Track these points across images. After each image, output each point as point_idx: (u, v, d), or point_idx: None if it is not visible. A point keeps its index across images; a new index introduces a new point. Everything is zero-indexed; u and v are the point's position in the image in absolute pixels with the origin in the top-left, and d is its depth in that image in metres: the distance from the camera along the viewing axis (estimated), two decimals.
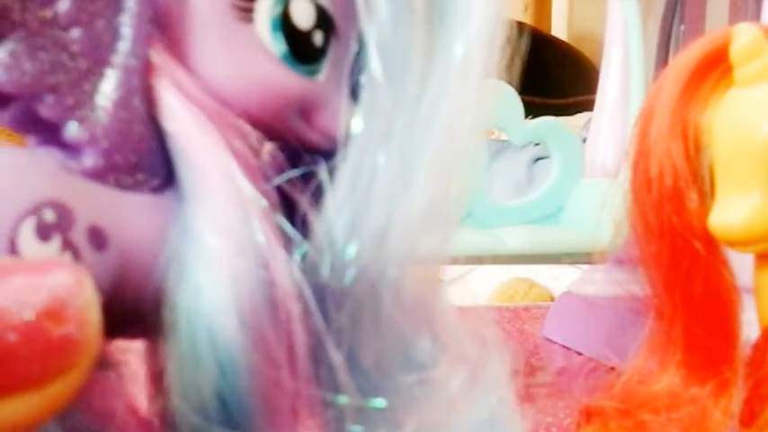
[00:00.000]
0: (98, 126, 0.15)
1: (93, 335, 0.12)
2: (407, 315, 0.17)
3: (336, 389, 0.16)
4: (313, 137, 0.17)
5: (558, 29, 1.72)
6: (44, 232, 0.14)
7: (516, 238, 0.47)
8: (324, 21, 0.17)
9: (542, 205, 0.51)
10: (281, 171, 0.17)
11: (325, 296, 0.16)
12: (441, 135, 0.17)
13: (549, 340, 0.58)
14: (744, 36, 0.24)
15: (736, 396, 0.24)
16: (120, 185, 0.15)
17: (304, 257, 0.16)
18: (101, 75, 0.15)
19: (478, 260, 0.51)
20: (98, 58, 0.15)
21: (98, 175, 0.15)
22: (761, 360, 0.24)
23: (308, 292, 0.16)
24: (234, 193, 0.15)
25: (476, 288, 0.83)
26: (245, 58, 0.16)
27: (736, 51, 0.24)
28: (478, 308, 0.73)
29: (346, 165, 0.17)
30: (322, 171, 0.17)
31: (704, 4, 0.95)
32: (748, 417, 0.24)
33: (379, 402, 0.17)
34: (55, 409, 0.12)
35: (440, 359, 0.18)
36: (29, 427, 0.12)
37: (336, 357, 0.16)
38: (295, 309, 0.15)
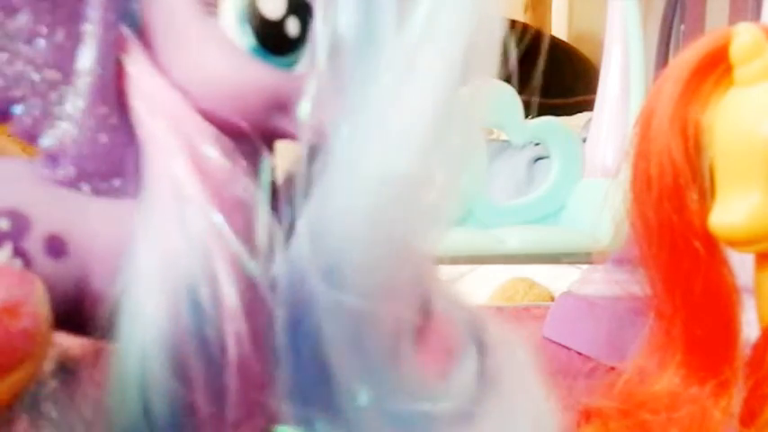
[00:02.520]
0: (67, 136, 0.15)
1: (47, 328, 0.13)
2: (391, 323, 0.16)
3: (275, 419, 0.16)
4: (296, 131, 0.16)
5: (558, 29, 1.71)
6: None
7: (516, 238, 0.47)
8: (297, 6, 0.16)
9: (542, 205, 0.51)
10: (256, 173, 0.16)
11: (308, 297, 0.15)
12: (427, 132, 0.16)
13: (549, 340, 0.58)
14: (744, 36, 0.23)
15: (736, 396, 0.24)
16: (96, 192, 0.15)
17: (287, 256, 0.16)
18: (67, 84, 0.15)
19: (478, 260, 0.51)
20: (63, 68, 0.15)
21: (71, 183, 0.15)
22: (761, 360, 0.24)
23: (247, 316, 0.15)
24: (182, 204, 0.15)
25: (476, 288, 0.83)
26: (212, 54, 0.15)
27: (736, 51, 0.24)
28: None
29: (330, 160, 0.16)
30: (305, 167, 0.16)
31: (704, 4, 0.95)
32: (748, 417, 0.24)
33: (322, 424, 0.16)
34: (12, 396, 0.13)
35: (482, 385, 0.17)
36: None
37: (284, 377, 0.15)
38: (231, 335, 0.15)
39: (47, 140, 0.15)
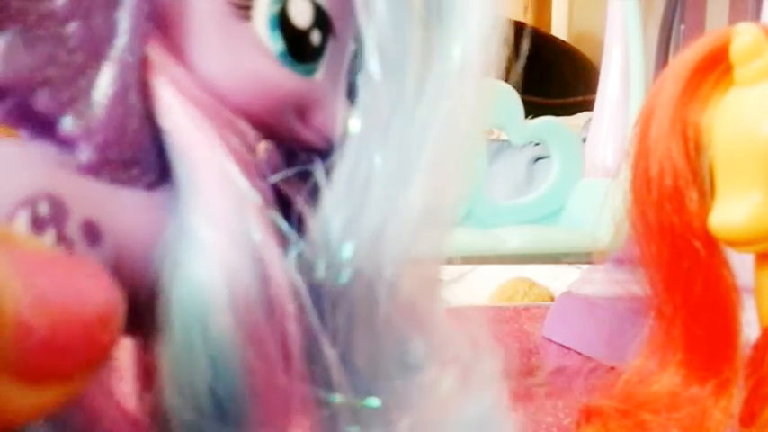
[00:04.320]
0: (93, 121, 0.15)
1: (119, 338, 0.13)
2: (402, 316, 0.17)
3: (330, 387, 0.16)
4: (308, 136, 0.17)
5: (558, 29, 1.71)
6: (39, 225, 0.14)
7: (516, 238, 0.47)
8: (321, 20, 0.17)
9: (542, 205, 0.51)
10: (277, 169, 0.17)
11: (319, 296, 0.16)
12: (438, 136, 0.17)
13: (549, 340, 0.58)
14: (744, 36, 0.24)
15: (736, 396, 0.24)
16: (114, 181, 0.15)
17: (299, 256, 0.16)
18: (97, 70, 0.15)
19: (478, 260, 0.51)
20: (95, 53, 0.15)
21: (92, 170, 0.15)
22: (761, 360, 0.24)
23: (303, 289, 0.16)
24: (229, 188, 0.15)
25: (476, 288, 0.83)
26: (243, 56, 0.16)
27: (736, 51, 0.24)
28: (477, 308, 0.73)
29: (343, 164, 0.17)
30: (318, 170, 0.17)
31: (704, 4, 0.95)
32: (748, 417, 0.24)
33: (374, 401, 0.17)
34: (66, 401, 0.13)
35: (431, 361, 0.18)
36: (41, 414, 0.12)
37: (331, 355, 0.16)
38: (290, 306, 0.15)
39: (67, 123, 0.15)
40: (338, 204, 0.16)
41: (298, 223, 0.17)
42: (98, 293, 0.12)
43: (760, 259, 0.25)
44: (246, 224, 0.15)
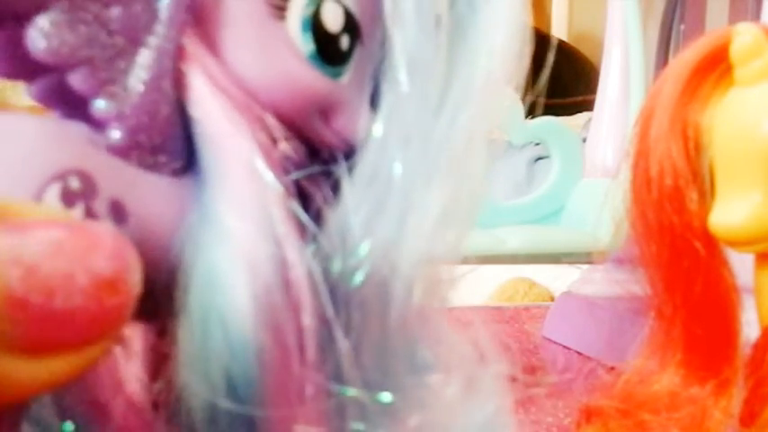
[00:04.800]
0: (127, 104, 0.15)
1: (131, 308, 0.13)
2: (414, 318, 0.17)
3: (341, 380, 0.17)
4: (330, 137, 0.18)
5: (558, 29, 1.71)
6: (69, 198, 0.14)
7: (516, 238, 0.47)
8: (351, 25, 0.17)
9: (542, 205, 0.51)
10: (299, 166, 0.17)
11: (335, 292, 0.16)
12: (459, 144, 0.17)
13: (549, 340, 0.58)
14: (744, 36, 0.24)
15: (736, 396, 0.24)
16: (141, 164, 0.16)
17: (318, 250, 0.17)
18: (135, 54, 0.15)
19: (478, 260, 0.51)
20: (134, 38, 0.15)
21: (122, 152, 0.15)
22: (761, 360, 0.24)
23: (320, 280, 0.16)
24: (255, 179, 0.15)
25: (476, 288, 0.83)
26: (275, 54, 0.16)
27: (736, 51, 0.24)
28: (477, 308, 0.73)
29: (364, 167, 0.17)
30: (340, 170, 0.17)
31: (704, 4, 0.95)
32: (748, 417, 0.24)
33: (385, 397, 0.17)
34: (79, 373, 0.13)
35: (437, 364, 0.18)
36: (55, 386, 0.12)
37: (344, 348, 0.16)
38: (307, 296, 0.16)
39: (101, 104, 0.15)
40: (357, 205, 0.17)
41: (316, 220, 0.17)
42: (103, 258, 0.12)
43: (760, 259, 0.25)
44: (269, 214, 0.15)
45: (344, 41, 0.17)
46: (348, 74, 0.17)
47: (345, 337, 0.16)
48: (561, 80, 1.51)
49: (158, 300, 0.15)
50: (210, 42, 0.16)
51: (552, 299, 0.77)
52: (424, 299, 0.17)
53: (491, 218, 0.48)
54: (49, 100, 0.15)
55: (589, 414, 0.27)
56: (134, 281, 0.13)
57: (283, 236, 0.15)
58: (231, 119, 0.16)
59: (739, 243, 0.24)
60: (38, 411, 0.15)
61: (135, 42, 0.15)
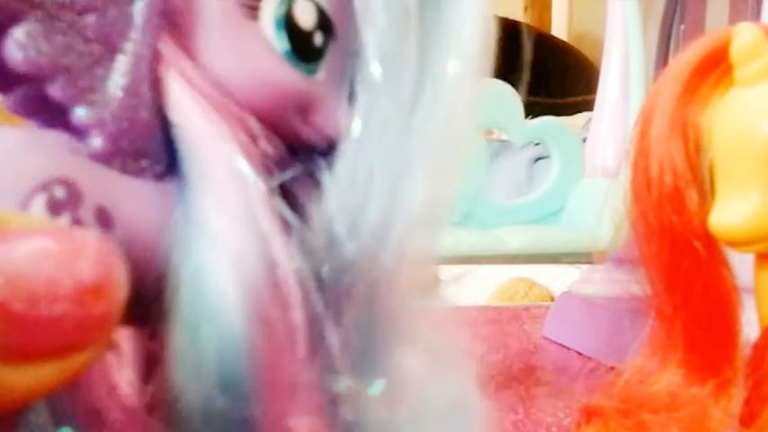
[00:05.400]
0: (107, 110, 0.15)
1: (118, 314, 0.13)
2: (395, 314, 0.17)
3: (333, 373, 0.17)
4: (309, 134, 0.18)
5: (558, 29, 1.71)
6: (55, 208, 0.14)
7: (516, 238, 0.47)
8: (324, 22, 0.17)
9: (542, 205, 0.51)
10: (281, 165, 0.17)
11: (322, 288, 0.17)
12: (436, 135, 0.17)
13: (549, 340, 0.58)
14: (744, 36, 0.24)
15: (736, 396, 0.24)
16: (124, 170, 0.16)
17: (304, 247, 0.17)
18: (112, 61, 0.15)
19: (478, 260, 0.51)
20: (110, 45, 0.15)
21: (104, 159, 0.15)
22: (761, 360, 0.24)
23: (309, 276, 0.16)
24: (237, 178, 0.16)
25: (476, 288, 0.83)
26: (250, 54, 0.16)
27: (736, 51, 0.24)
28: (478, 308, 0.73)
29: (344, 163, 0.17)
30: (321, 168, 0.17)
31: (704, 4, 0.95)
32: (748, 417, 0.24)
33: (377, 386, 0.17)
34: (67, 379, 0.13)
35: (404, 348, 0.18)
36: (44, 393, 0.12)
37: (335, 342, 0.16)
38: (296, 292, 0.16)
39: (80, 113, 0.15)
40: (341, 202, 0.17)
41: (301, 218, 0.17)
42: (88, 265, 0.12)
43: (760, 259, 0.25)
44: (254, 213, 0.15)
45: (318, 38, 0.17)
46: (323, 70, 0.17)
47: (335, 331, 0.16)
48: (561, 80, 1.51)
49: (148, 304, 0.15)
50: (185, 45, 0.16)
51: (552, 299, 0.77)
52: (405, 296, 0.17)
53: (491, 218, 0.48)
54: (26, 110, 0.15)
55: (589, 414, 0.27)
56: (120, 287, 0.13)
57: (269, 234, 0.15)
58: (210, 121, 0.16)
59: (739, 243, 0.24)
60: (32, 417, 0.15)
61: (111, 49, 0.15)
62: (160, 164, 0.16)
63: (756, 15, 0.72)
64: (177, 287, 0.15)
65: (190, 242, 0.15)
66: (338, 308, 0.17)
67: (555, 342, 0.57)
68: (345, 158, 0.17)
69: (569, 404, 0.38)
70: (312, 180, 0.17)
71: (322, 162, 0.17)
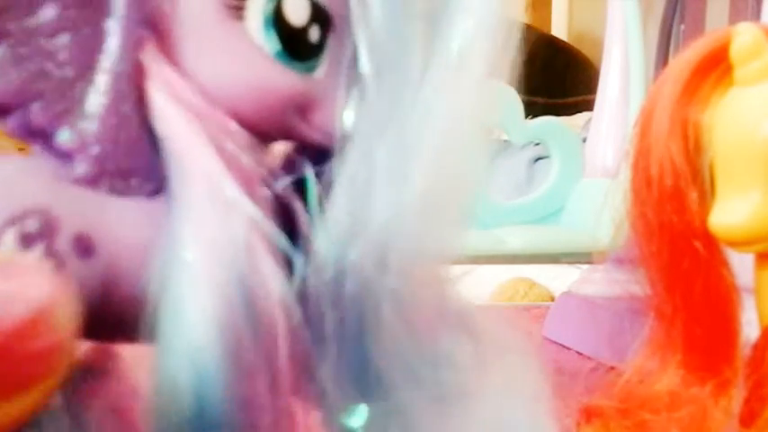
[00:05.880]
0: (88, 132, 0.15)
1: (71, 344, 0.13)
2: (414, 316, 0.17)
3: (324, 400, 0.16)
4: (312, 134, 0.17)
5: (558, 29, 1.71)
6: (26, 240, 0.14)
7: (516, 238, 0.47)
8: (319, 15, 0.16)
9: (542, 205, 0.51)
10: (289, 172, 0.17)
11: (324, 300, 0.16)
12: (439, 129, 0.16)
13: (549, 340, 0.58)
14: (744, 36, 0.23)
15: (736, 396, 0.24)
16: (113, 191, 0.15)
17: (304, 258, 0.16)
18: (89, 81, 0.15)
19: (478, 260, 0.51)
20: (86, 64, 0.15)
21: (89, 182, 0.15)
22: (761, 360, 0.24)
23: (295, 305, 0.15)
24: (220, 199, 0.15)
25: (476, 288, 0.83)
26: (237, 58, 0.16)
27: (736, 51, 0.24)
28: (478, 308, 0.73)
29: (344, 163, 0.16)
30: (324, 172, 0.17)
31: (704, 4, 0.95)
32: (748, 417, 0.24)
33: (358, 417, 0.16)
34: (19, 420, 0.12)
35: (475, 366, 0.18)
36: (10, 427, 0.12)
37: (324, 370, 0.16)
38: (281, 323, 0.15)
39: (64, 136, 0.15)
40: (343, 203, 0.16)
41: (298, 227, 0.16)
42: (23, 304, 0.12)
43: (760, 259, 0.25)
44: (235, 240, 0.15)
45: (314, 34, 0.16)
46: (323, 66, 0.16)
47: (338, 349, 0.16)
48: (561, 80, 1.51)
49: (134, 325, 0.15)
50: (169, 53, 0.15)
51: (552, 299, 0.77)
52: (419, 296, 0.17)
53: (491, 218, 0.48)
54: (21, 135, 0.15)
55: (589, 414, 0.27)
56: (67, 317, 0.12)
57: (252, 262, 0.15)
58: (194, 134, 0.15)
59: (739, 243, 0.24)
60: (52, 425, 0.15)
61: (88, 69, 0.15)
62: (152, 181, 0.15)
63: (756, 15, 0.72)
64: (157, 314, 0.15)
65: (171, 268, 0.15)
66: (342, 317, 0.16)
67: (555, 342, 0.57)
68: (345, 157, 0.16)
69: (569, 404, 0.38)
70: (321, 182, 0.17)
71: (326, 164, 0.17)
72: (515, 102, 0.47)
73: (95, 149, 0.15)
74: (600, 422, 0.26)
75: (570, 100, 1.38)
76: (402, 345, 0.16)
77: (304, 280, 0.16)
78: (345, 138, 0.17)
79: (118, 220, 0.15)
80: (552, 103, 1.28)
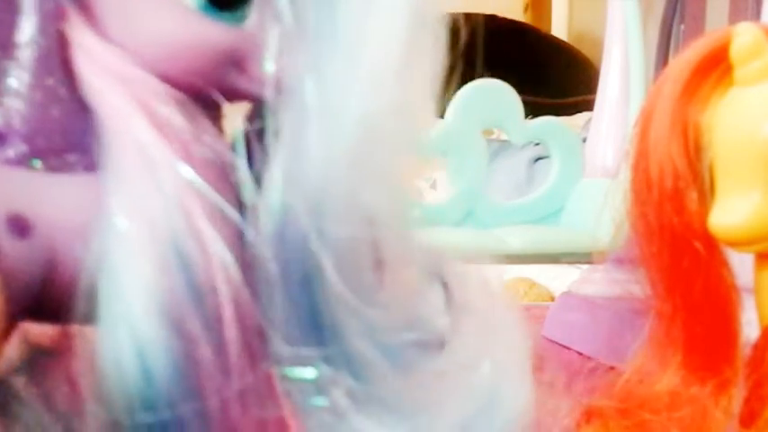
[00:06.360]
0: (13, 112, 0.14)
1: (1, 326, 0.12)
2: (358, 261, 0.16)
3: (279, 360, 0.16)
4: (251, 87, 0.16)
5: (558, 29, 1.71)
6: None
7: (516, 238, 0.47)
8: None
9: (542, 205, 0.51)
10: (214, 132, 0.16)
11: (266, 251, 0.15)
12: (368, 71, 0.16)
13: (549, 340, 0.58)
14: (744, 36, 0.23)
15: (736, 396, 0.24)
16: (48, 168, 0.15)
17: (247, 213, 0.16)
18: (8, 59, 0.14)
19: (478, 260, 0.51)
20: (3, 43, 0.14)
21: (20, 162, 0.14)
22: (761, 360, 0.24)
23: (236, 266, 0.15)
24: (151, 166, 0.14)
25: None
26: (161, 16, 0.15)
27: (736, 51, 0.24)
28: None
29: (277, 113, 0.16)
30: (258, 123, 0.16)
31: (704, 4, 0.95)
32: (748, 417, 0.24)
33: (309, 372, 0.16)
34: None
35: (447, 312, 0.17)
36: None
37: (273, 322, 0.15)
38: (223, 287, 0.14)
39: None
40: (278, 154, 0.15)
41: (241, 184, 0.16)
42: None
43: (760, 259, 0.25)
44: (169, 204, 0.14)
45: None
46: (254, 14, 0.16)
47: (283, 292, 0.15)
48: (561, 80, 1.51)
49: (74, 305, 0.14)
50: (93, 21, 0.15)
51: (552, 299, 0.77)
52: (361, 241, 0.16)
53: (491, 218, 0.48)
54: None
55: (589, 414, 0.27)
56: None
57: (186, 223, 0.14)
58: (122, 101, 0.14)
59: (739, 243, 0.24)
60: (24, 412, 0.15)
61: (5, 46, 0.14)
62: (89, 154, 0.15)
63: (756, 15, 0.72)
64: (100, 287, 0.14)
65: (106, 242, 0.14)
66: (284, 284, 0.15)
67: (555, 342, 0.57)
68: (277, 108, 0.16)
69: (569, 404, 0.38)
70: (255, 137, 0.16)
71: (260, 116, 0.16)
72: (515, 102, 0.47)
73: (23, 129, 0.14)
74: (600, 422, 0.26)
75: (570, 100, 1.38)
76: (348, 291, 0.16)
77: (244, 234, 0.15)
78: (278, 88, 0.16)
79: (56, 198, 0.15)
80: (552, 103, 1.28)
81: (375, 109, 0.16)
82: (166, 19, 0.15)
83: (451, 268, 0.18)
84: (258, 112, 0.16)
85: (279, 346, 0.16)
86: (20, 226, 0.14)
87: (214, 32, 0.15)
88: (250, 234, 0.15)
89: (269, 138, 0.16)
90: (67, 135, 0.15)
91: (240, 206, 0.16)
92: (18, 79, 0.14)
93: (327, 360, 0.16)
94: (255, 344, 0.15)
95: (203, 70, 0.15)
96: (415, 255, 0.18)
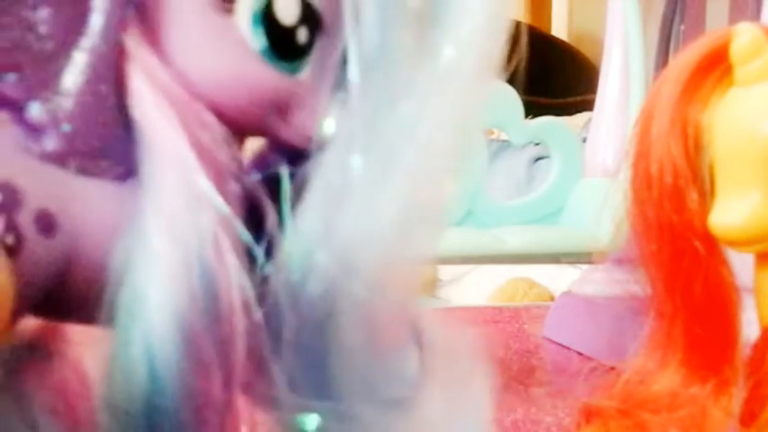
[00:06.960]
0: (61, 109, 0.15)
1: (6, 320, 0.13)
2: (375, 325, 0.17)
3: (275, 401, 0.16)
4: (289, 135, 0.17)
5: (558, 29, 1.71)
6: None
7: (516, 238, 0.47)
8: (310, 17, 0.16)
9: (542, 205, 0.51)
10: (262, 169, 0.16)
11: (285, 301, 0.16)
12: (425, 137, 0.16)
13: (549, 340, 0.58)
14: (744, 36, 0.23)
15: (736, 396, 0.24)
16: (81, 171, 0.15)
17: (273, 258, 0.16)
18: (68, 57, 0.15)
19: (478, 260, 0.51)
20: (66, 41, 0.15)
21: (57, 159, 0.15)
22: (761, 360, 0.24)
23: (255, 304, 0.15)
24: (191, 192, 0.15)
25: (476, 288, 0.83)
26: (222, 51, 0.16)
27: (736, 51, 0.24)
28: (478, 308, 0.73)
29: (321, 167, 0.16)
30: (298, 173, 0.16)
31: (704, 4, 0.95)
32: (748, 417, 0.24)
33: (311, 422, 0.16)
34: None
35: (421, 371, 0.18)
36: None
37: (277, 372, 0.16)
38: (240, 321, 0.15)
39: (35, 110, 0.15)
40: (315, 206, 0.16)
41: (268, 228, 0.16)
42: None
43: (760, 259, 0.25)
44: (204, 234, 0.15)
45: (302, 34, 0.16)
46: (308, 68, 0.16)
47: (295, 345, 0.16)
48: (561, 80, 1.51)
49: (95, 307, 0.15)
50: (153, 40, 0.15)
51: (552, 299, 0.77)
52: (391, 302, 0.17)
53: (491, 218, 0.48)
54: None
55: (589, 414, 0.27)
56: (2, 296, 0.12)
57: (216, 258, 0.15)
58: (169, 122, 0.15)
59: (739, 243, 0.24)
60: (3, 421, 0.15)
61: (67, 45, 0.15)
62: (122, 165, 0.15)
63: (756, 15, 0.72)
64: (116, 300, 0.14)
65: (133, 255, 0.14)
66: (301, 331, 0.16)
67: (555, 342, 0.57)
68: (322, 161, 0.16)
69: (569, 404, 0.38)
70: (295, 183, 0.16)
71: (302, 165, 0.16)
72: (515, 102, 0.47)
73: (66, 127, 0.15)
74: (600, 422, 0.26)
75: (570, 100, 1.38)
76: (360, 353, 0.16)
77: (266, 279, 0.16)
78: (324, 142, 0.16)
79: (84, 200, 0.15)
80: (552, 103, 1.28)
81: (419, 185, 0.16)
82: (228, 55, 0.16)
83: (428, 328, 0.18)
84: (297, 160, 0.17)
85: (282, 391, 0.16)
86: (47, 222, 0.14)
87: (268, 77, 0.16)
88: (273, 277, 0.16)
89: (301, 190, 0.16)
90: (106, 142, 0.15)
91: (267, 248, 0.16)
92: (72, 80, 0.15)
93: (325, 414, 0.17)
94: (257, 382, 0.16)
95: (250, 110, 0.16)
96: (408, 316, 0.18)
